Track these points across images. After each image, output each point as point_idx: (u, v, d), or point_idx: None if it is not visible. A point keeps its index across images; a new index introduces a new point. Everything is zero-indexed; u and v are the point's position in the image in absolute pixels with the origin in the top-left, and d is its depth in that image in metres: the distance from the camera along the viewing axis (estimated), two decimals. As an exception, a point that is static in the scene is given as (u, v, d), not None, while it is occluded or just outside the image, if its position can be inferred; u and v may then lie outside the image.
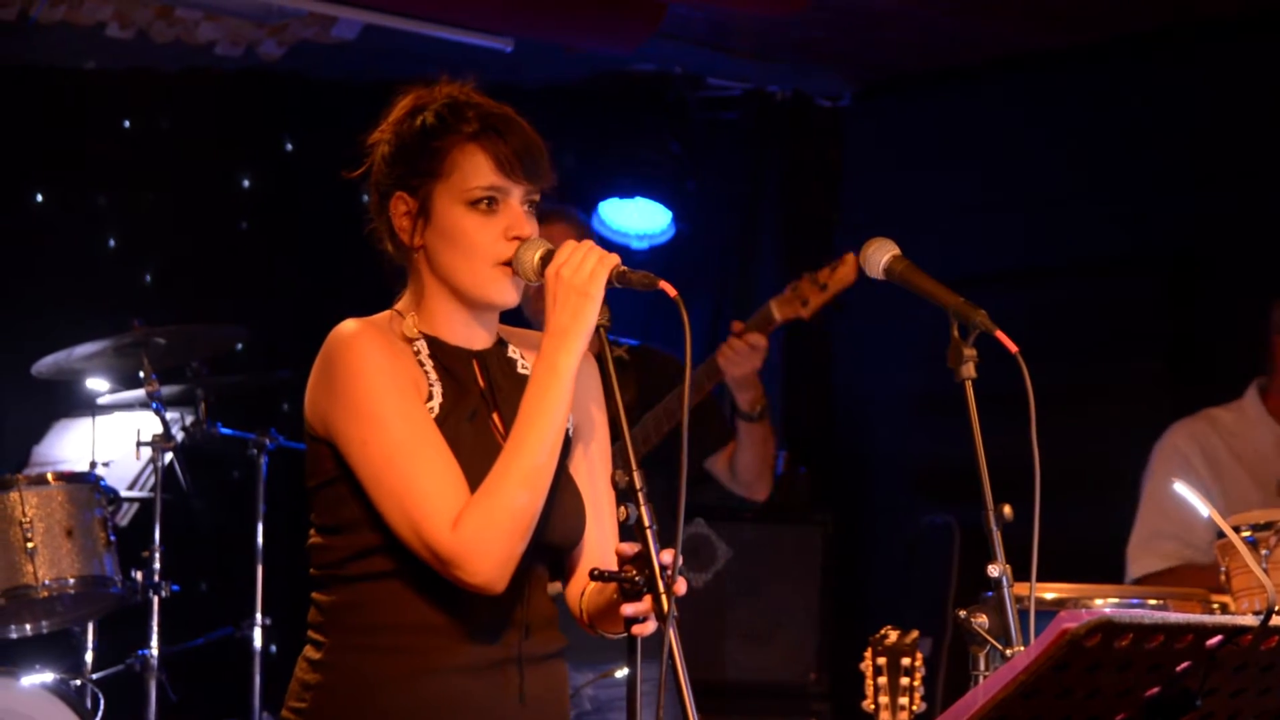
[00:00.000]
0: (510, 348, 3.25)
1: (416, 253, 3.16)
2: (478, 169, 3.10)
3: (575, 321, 3.01)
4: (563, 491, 3.14)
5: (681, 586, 2.87)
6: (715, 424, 5.46)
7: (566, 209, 5.36)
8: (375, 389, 3.04)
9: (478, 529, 2.98)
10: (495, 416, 3.17)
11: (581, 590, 3.19)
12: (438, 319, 3.16)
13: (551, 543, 3.14)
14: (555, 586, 3.13)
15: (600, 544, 3.21)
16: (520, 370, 3.22)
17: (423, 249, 3.14)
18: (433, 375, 3.12)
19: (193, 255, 7.26)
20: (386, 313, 3.20)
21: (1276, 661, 2.58)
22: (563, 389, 3.02)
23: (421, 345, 3.14)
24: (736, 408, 5.36)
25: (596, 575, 2.93)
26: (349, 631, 3.11)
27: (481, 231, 3.10)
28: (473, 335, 3.19)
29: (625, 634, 2.97)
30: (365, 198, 3.25)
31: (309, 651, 3.16)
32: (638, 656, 2.90)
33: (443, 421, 3.08)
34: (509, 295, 3.14)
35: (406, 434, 3.02)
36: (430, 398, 3.10)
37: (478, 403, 3.15)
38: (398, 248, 3.19)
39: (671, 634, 2.81)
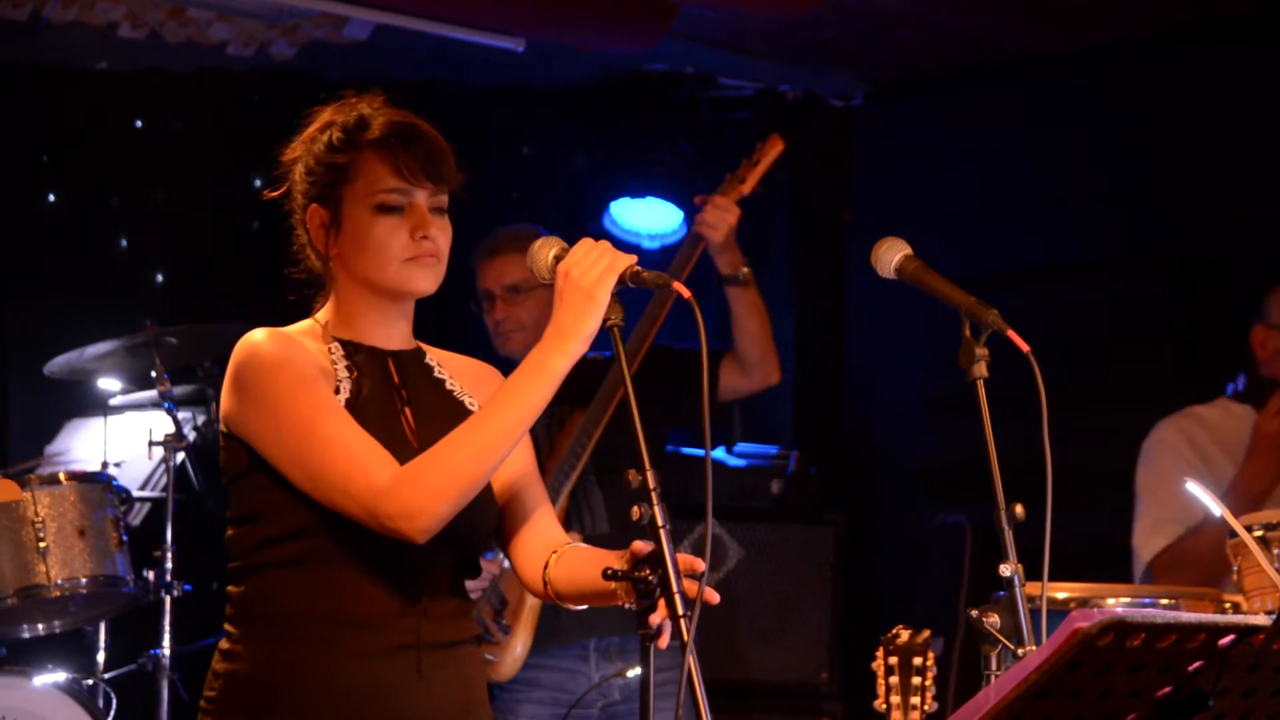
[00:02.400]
0: (429, 357, 3.38)
1: (333, 260, 3.29)
2: (380, 175, 3.24)
3: (577, 322, 3.05)
4: None
5: (714, 597, 2.91)
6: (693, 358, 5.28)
7: (524, 231, 5.39)
8: (281, 381, 3.15)
9: (416, 477, 3.05)
10: (408, 412, 3.28)
11: (543, 562, 3.25)
12: (355, 321, 3.30)
13: (460, 535, 3.21)
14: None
15: (536, 513, 3.33)
16: (436, 375, 3.36)
17: (338, 256, 3.28)
18: (343, 373, 3.24)
19: (204, 255, 7.28)
20: (307, 321, 3.34)
21: (1289, 661, 2.57)
22: (544, 386, 3.08)
23: (335, 346, 3.27)
24: (722, 279, 5.36)
25: (610, 575, 2.94)
26: (256, 621, 3.23)
27: (390, 234, 3.23)
28: (390, 334, 3.32)
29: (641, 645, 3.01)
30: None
31: (222, 643, 3.29)
32: (651, 659, 2.90)
33: (351, 410, 3.18)
34: (425, 283, 3.26)
35: (319, 412, 3.13)
36: (337, 391, 3.21)
37: (389, 398, 3.27)
38: (318, 258, 3.33)
39: (690, 655, 2.82)
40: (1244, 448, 5.28)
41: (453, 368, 3.40)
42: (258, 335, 3.23)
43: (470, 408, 3.33)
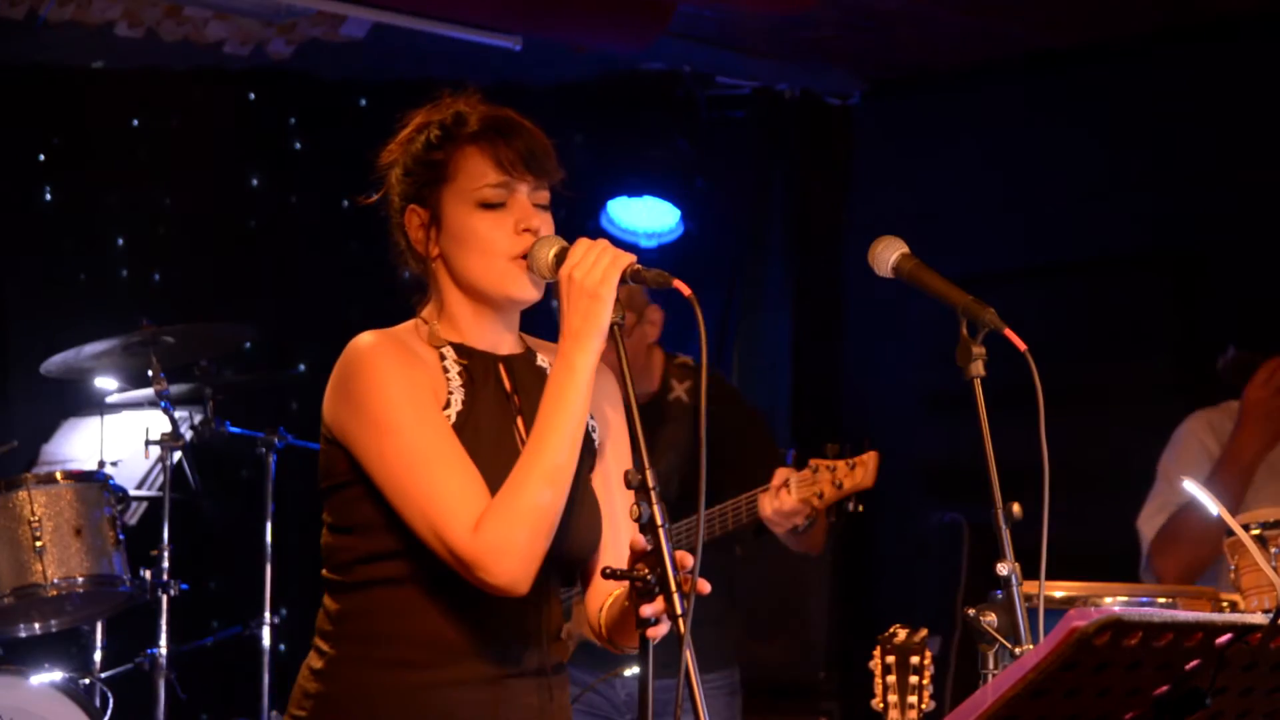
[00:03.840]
0: (540, 357, 3.27)
1: (434, 262, 3.19)
2: (481, 169, 3.14)
3: (587, 324, 3.02)
4: (580, 501, 3.15)
5: (705, 586, 2.85)
6: (762, 462, 5.16)
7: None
8: (391, 400, 3.06)
9: (499, 530, 2.98)
10: (520, 421, 3.18)
11: (600, 604, 3.20)
12: (462, 325, 3.19)
13: (567, 553, 3.15)
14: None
15: (618, 552, 3.21)
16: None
17: (440, 257, 3.18)
18: (455, 381, 3.14)
19: (201, 254, 7.28)
20: (410, 321, 3.23)
21: (1286, 660, 2.56)
22: (580, 389, 3.03)
23: (448, 351, 3.17)
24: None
25: (609, 574, 2.91)
26: (354, 641, 3.13)
27: (493, 229, 3.13)
28: (499, 339, 3.22)
29: (640, 641, 2.98)
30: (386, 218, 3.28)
31: (313, 659, 3.18)
32: (649, 657, 2.88)
33: (461, 427, 3.10)
34: (528, 290, 3.15)
35: (424, 442, 3.04)
36: (448, 405, 3.12)
37: (502, 407, 3.17)
38: (418, 261, 3.22)
39: (686, 639, 2.80)
40: (1277, 448, 5.30)
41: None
42: (369, 340, 3.12)
43: None
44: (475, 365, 3.17)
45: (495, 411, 3.16)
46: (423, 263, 3.21)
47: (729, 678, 5.35)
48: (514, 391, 3.20)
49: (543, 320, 3.26)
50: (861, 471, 5.08)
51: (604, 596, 3.20)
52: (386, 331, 3.17)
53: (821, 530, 5.21)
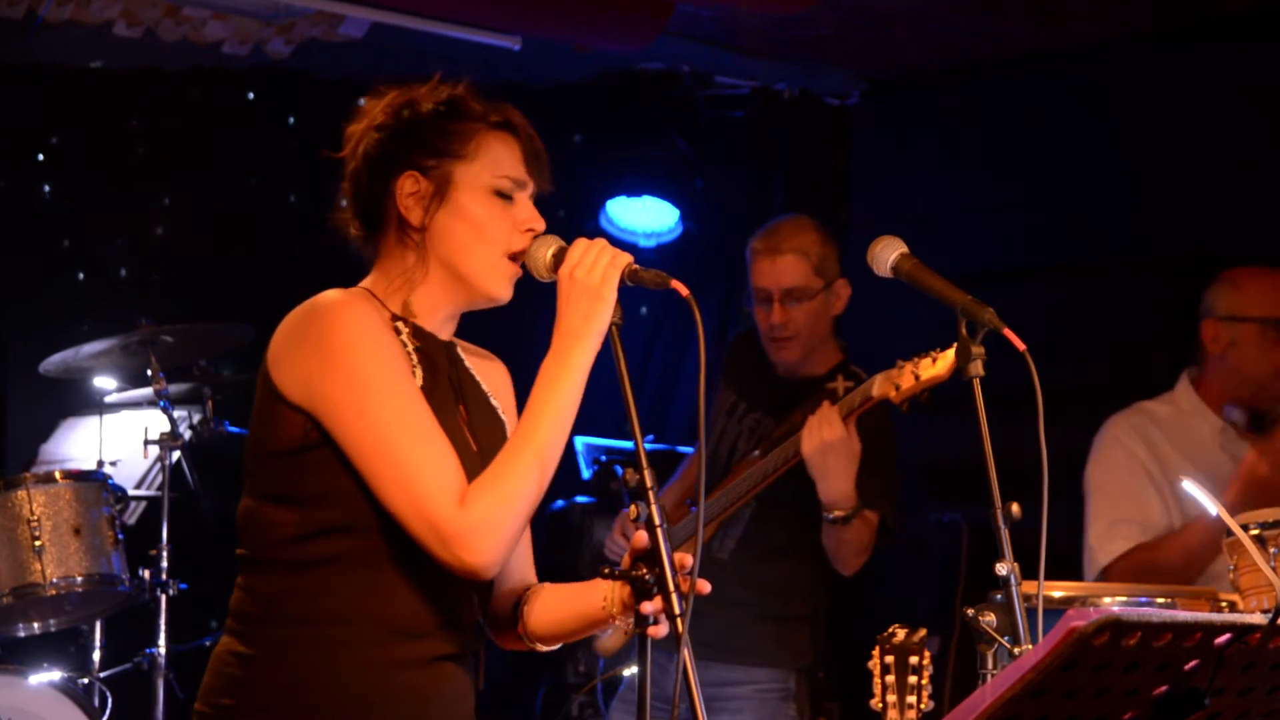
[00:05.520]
0: (458, 349, 3.25)
1: (420, 233, 3.12)
2: (508, 158, 3.14)
3: (586, 323, 3.02)
4: None
5: (705, 586, 2.85)
6: (864, 481, 5.08)
7: (804, 222, 5.36)
8: (371, 357, 2.98)
9: (488, 509, 2.94)
10: (463, 409, 3.16)
11: (515, 601, 3.21)
12: (419, 304, 3.14)
13: None
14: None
15: (520, 549, 3.25)
16: (469, 371, 3.24)
17: (426, 230, 3.12)
18: (414, 357, 3.09)
19: (200, 254, 7.27)
20: (358, 289, 3.14)
21: (1285, 660, 2.56)
22: (575, 383, 3.02)
23: (403, 326, 3.12)
24: (821, 511, 5.06)
25: (609, 574, 2.92)
26: (295, 623, 3.04)
27: (499, 220, 3.12)
28: (443, 327, 3.19)
29: (639, 640, 2.97)
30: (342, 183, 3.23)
31: (235, 645, 3.08)
32: (648, 656, 2.89)
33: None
34: (507, 291, 3.15)
35: (403, 405, 2.98)
36: (414, 374, 3.08)
37: (448, 394, 3.14)
38: (378, 226, 3.15)
39: (684, 641, 2.80)
40: (1198, 445, 5.24)
41: (473, 361, 3.26)
42: (341, 296, 3.04)
43: (496, 410, 3.23)
44: (429, 346, 3.14)
45: (446, 396, 3.13)
46: (401, 231, 3.13)
47: (782, 680, 5.26)
48: (456, 380, 3.18)
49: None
50: (942, 364, 4.88)
51: (513, 597, 3.21)
52: (356, 293, 3.10)
53: (864, 532, 5.14)
